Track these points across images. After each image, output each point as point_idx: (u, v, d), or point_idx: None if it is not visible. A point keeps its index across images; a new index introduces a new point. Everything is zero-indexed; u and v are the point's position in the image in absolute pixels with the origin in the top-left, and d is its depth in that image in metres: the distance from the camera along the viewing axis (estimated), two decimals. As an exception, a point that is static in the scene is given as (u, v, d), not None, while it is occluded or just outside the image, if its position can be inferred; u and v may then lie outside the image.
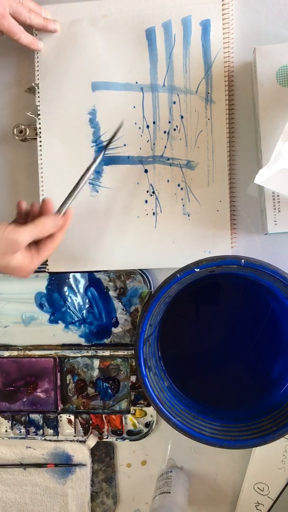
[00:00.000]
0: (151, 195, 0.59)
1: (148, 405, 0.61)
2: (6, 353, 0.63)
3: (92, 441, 0.62)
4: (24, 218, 0.54)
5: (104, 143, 0.58)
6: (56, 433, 0.63)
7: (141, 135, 0.59)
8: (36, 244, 0.51)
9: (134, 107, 0.59)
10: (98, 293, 0.62)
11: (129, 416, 0.62)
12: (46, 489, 0.63)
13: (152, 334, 0.53)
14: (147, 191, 0.59)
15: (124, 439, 0.62)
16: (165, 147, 0.59)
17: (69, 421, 0.63)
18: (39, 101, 0.60)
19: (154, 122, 0.59)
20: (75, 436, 0.63)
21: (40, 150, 0.60)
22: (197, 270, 0.48)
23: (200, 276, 0.52)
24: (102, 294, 0.62)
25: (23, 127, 0.61)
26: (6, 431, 0.64)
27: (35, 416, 0.63)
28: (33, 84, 0.60)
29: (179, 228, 0.59)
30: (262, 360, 0.56)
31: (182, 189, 0.59)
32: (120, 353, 0.61)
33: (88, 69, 0.59)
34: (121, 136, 0.59)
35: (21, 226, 0.49)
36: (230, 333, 0.57)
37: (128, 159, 0.59)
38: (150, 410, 0.61)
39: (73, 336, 0.63)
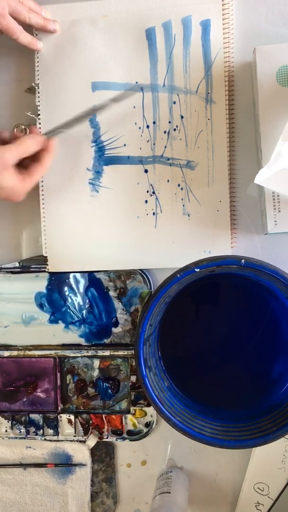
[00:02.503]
0: (151, 195, 0.59)
1: (148, 405, 0.61)
2: (6, 353, 0.63)
3: (92, 441, 0.62)
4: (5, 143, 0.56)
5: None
6: (56, 433, 0.63)
7: (141, 135, 0.59)
8: (25, 168, 0.54)
9: (134, 107, 0.59)
10: (98, 293, 0.62)
11: (129, 416, 0.62)
12: (46, 489, 0.63)
13: (152, 334, 0.53)
14: (147, 191, 0.59)
15: (124, 439, 0.62)
16: (165, 147, 0.59)
17: (69, 421, 0.63)
18: (39, 101, 0.60)
19: (154, 122, 0.59)
20: (75, 436, 0.63)
21: (40, 150, 0.60)
22: (197, 270, 0.48)
23: (200, 276, 0.52)
24: (102, 294, 0.62)
25: (23, 127, 0.61)
26: (6, 431, 0.64)
27: (35, 416, 0.64)
28: (33, 84, 0.60)
29: (179, 228, 0.59)
30: (262, 360, 0.56)
31: (182, 189, 0.59)
32: (120, 353, 0.61)
33: (88, 69, 0.59)
34: (121, 136, 0.59)
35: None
36: (230, 333, 0.57)
37: (128, 159, 0.59)
38: (150, 410, 0.61)
39: (73, 336, 0.63)
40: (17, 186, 0.52)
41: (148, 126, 0.59)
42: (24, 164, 0.54)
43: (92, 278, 0.62)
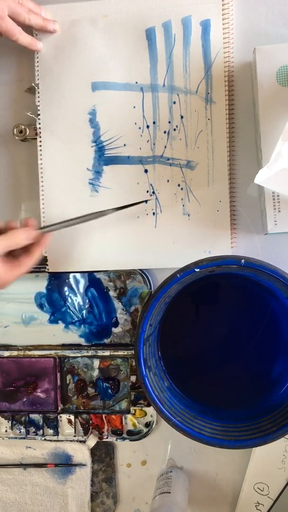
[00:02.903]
0: (151, 195, 0.59)
1: (148, 405, 0.61)
2: (6, 353, 0.63)
3: (92, 441, 0.62)
4: None
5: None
6: (56, 433, 0.63)
7: (141, 135, 0.59)
8: (14, 257, 0.53)
9: (134, 107, 0.59)
10: (98, 293, 0.62)
11: (129, 416, 0.62)
12: (46, 489, 0.63)
13: (152, 334, 0.53)
14: (147, 191, 0.59)
15: (124, 439, 0.62)
16: (165, 147, 0.59)
17: (69, 421, 0.63)
18: (39, 101, 0.60)
19: (154, 122, 0.59)
20: (75, 436, 0.63)
21: (40, 150, 0.60)
22: (197, 270, 0.48)
23: (200, 276, 0.52)
24: (102, 294, 0.62)
25: (23, 127, 0.61)
26: (6, 431, 0.64)
27: (35, 416, 0.64)
28: (33, 84, 0.60)
29: (179, 228, 0.59)
30: (262, 360, 0.56)
31: (182, 189, 0.59)
32: (120, 353, 0.61)
33: (88, 69, 0.59)
34: (121, 136, 0.59)
35: None
36: (230, 333, 0.57)
37: (128, 159, 0.59)
38: (150, 410, 0.61)
39: (73, 336, 0.63)
40: (4, 276, 0.51)
41: (148, 126, 0.59)
42: (15, 254, 0.53)
43: (92, 278, 0.62)
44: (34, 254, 0.54)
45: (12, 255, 0.53)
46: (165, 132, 0.59)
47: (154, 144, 0.59)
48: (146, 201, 0.58)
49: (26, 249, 0.54)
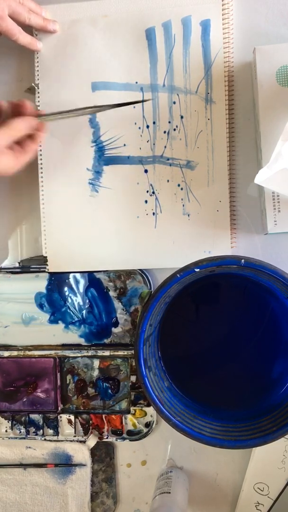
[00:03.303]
0: (151, 195, 0.59)
1: (148, 405, 0.61)
2: (6, 353, 0.63)
3: (92, 441, 0.62)
4: None
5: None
6: (56, 433, 0.63)
7: (141, 135, 0.59)
8: (18, 144, 0.55)
9: (134, 107, 0.59)
10: (98, 293, 0.62)
11: (129, 416, 0.62)
12: (46, 489, 0.63)
13: (152, 334, 0.53)
14: (147, 191, 0.59)
15: (124, 439, 0.62)
16: (165, 147, 0.59)
17: (69, 421, 0.63)
18: (39, 101, 0.60)
19: (154, 122, 0.59)
20: (75, 436, 0.63)
21: (40, 150, 0.60)
22: (197, 270, 0.48)
23: (200, 276, 0.52)
24: (102, 294, 0.62)
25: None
26: (6, 431, 0.64)
27: (35, 416, 0.64)
28: (33, 84, 0.60)
29: (179, 228, 0.59)
30: (262, 360, 0.56)
31: (182, 189, 0.59)
32: (120, 353, 0.61)
33: (88, 69, 0.59)
34: (121, 136, 0.59)
35: None
36: (230, 333, 0.57)
37: (128, 159, 0.59)
38: (150, 410, 0.61)
39: (73, 336, 0.63)
40: (11, 165, 0.54)
41: (148, 126, 0.59)
42: (18, 141, 0.55)
43: (92, 278, 0.62)
44: (37, 138, 0.56)
45: (16, 142, 0.54)
46: (165, 132, 0.59)
47: (154, 144, 0.59)
48: (143, 101, 0.58)
49: (29, 135, 0.55)
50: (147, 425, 0.62)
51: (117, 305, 0.62)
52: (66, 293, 0.62)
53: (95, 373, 0.63)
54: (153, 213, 0.59)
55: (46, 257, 0.61)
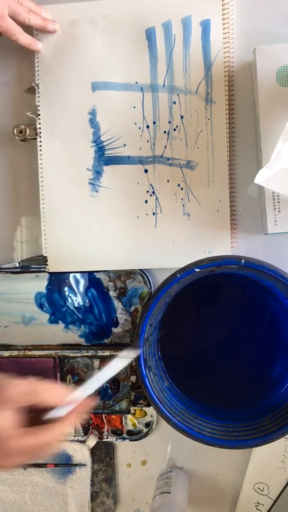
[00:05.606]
0: (151, 195, 0.59)
1: (148, 405, 0.61)
2: (6, 353, 0.63)
3: (92, 441, 0.62)
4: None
5: None
6: (56, 433, 0.63)
7: (141, 135, 0.59)
8: (35, 420, 0.42)
9: (134, 107, 0.59)
10: (98, 293, 0.62)
11: (129, 416, 0.62)
12: (46, 489, 0.63)
13: (152, 334, 0.53)
14: (147, 191, 0.59)
15: (124, 439, 0.62)
16: (165, 147, 0.59)
17: (69, 421, 0.63)
18: (39, 101, 0.60)
19: (154, 122, 0.59)
20: (75, 436, 0.63)
21: (40, 150, 0.60)
22: (197, 270, 0.48)
23: (200, 276, 0.52)
24: (102, 294, 0.62)
25: (23, 127, 0.61)
26: (6, 431, 0.64)
27: (35, 416, 0.63)
28: (33, 84, 0.60)
29: (179, 228, 0.59)
30: (262, 360, 0.56)
31: (182, 189, 0.59)
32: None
33: (88, 69, 0.59)
34: (121, 136, 0.59)
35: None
36: (230, 333, 0.57)
37: (128, 159, 0.59)
38: (150, 410, 0.61)
39: (73, 336, 0.63)
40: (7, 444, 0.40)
41: (148, 126, 0.59)
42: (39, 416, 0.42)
43: (92, 278, 0.62)
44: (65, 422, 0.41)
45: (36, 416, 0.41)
46: (165, 132, 0.59)
47: (154, 144, 0.59)
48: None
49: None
50: (147, 425, 0.62)
51: (117, 305, 0.62)
52: (66, 293, 0.62)
53: (95, 373, 0.63)
54: (153, 213, 0.59)
55: (46, 257, 0.61)
